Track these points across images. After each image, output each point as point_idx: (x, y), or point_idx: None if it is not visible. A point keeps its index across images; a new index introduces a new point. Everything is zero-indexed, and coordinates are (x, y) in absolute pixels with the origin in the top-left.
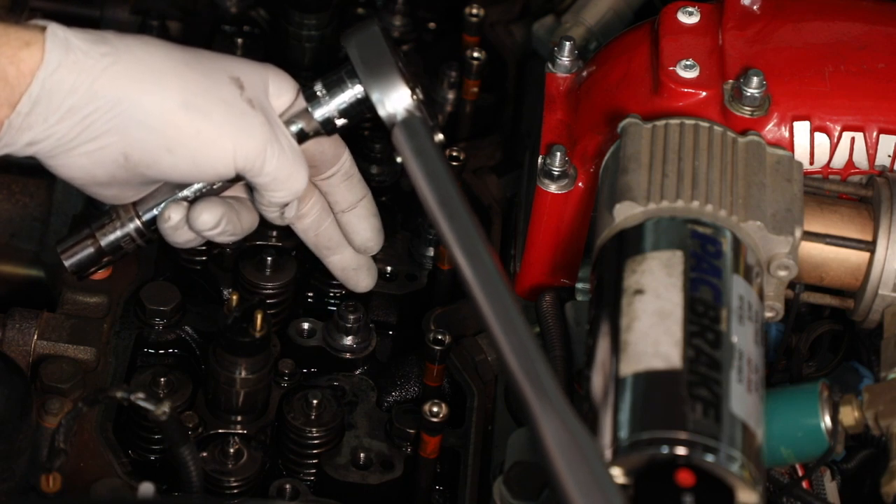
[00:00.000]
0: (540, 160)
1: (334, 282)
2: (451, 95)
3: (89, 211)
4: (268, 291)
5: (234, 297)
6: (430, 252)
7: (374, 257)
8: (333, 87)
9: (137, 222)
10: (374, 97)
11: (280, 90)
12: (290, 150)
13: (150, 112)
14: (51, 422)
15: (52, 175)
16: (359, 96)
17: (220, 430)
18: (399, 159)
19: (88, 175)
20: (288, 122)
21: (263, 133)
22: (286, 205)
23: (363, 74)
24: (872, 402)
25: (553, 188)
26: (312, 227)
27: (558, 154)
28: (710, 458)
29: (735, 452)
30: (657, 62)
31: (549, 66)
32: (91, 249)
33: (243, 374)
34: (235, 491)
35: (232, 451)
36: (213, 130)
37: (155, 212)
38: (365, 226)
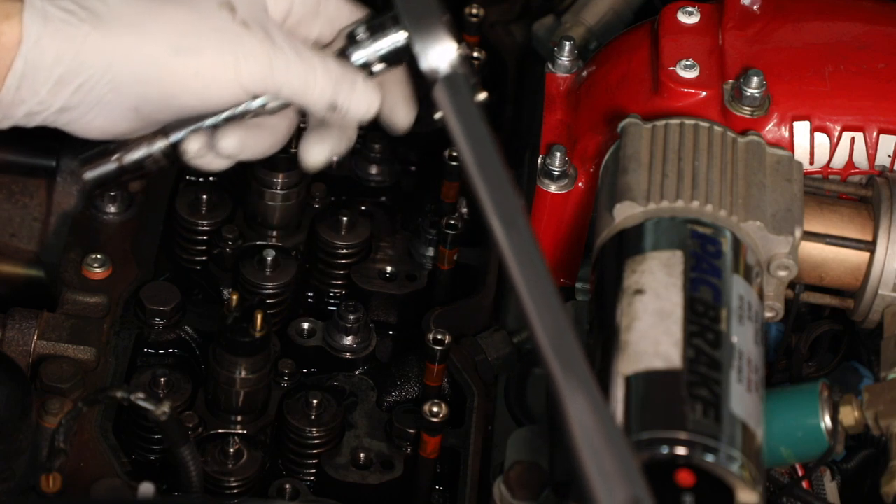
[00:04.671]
0: (540, 160)
1: (334, 282)
2: None
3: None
4: (268, 291)
5: (234, 297)
6: (430, 252)
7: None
8: (377, 32)
9: (165, 142)
10: (418, 48)
11: None
12: (299, 57)
13: (142, 67)
14: (51, 422)
15: (52, 175)
16: (400, 44)
17: (220, 430)
18: (437, 115)
19: (107, 133)
20: None
21: (264, 50)
22: (360, 119)
23: (409, 22)
24: (872, 402)
25: (553, 188)
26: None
27: (558, 154)
28: (709, 458)
29: (735, 452)
30: (657, 62)
31: (549, 66)
32: (113, 165)
33: (243, 374)
34: (235, 491)
35: (232, 451)
36: (209, 66)
37: (182, 134)
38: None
